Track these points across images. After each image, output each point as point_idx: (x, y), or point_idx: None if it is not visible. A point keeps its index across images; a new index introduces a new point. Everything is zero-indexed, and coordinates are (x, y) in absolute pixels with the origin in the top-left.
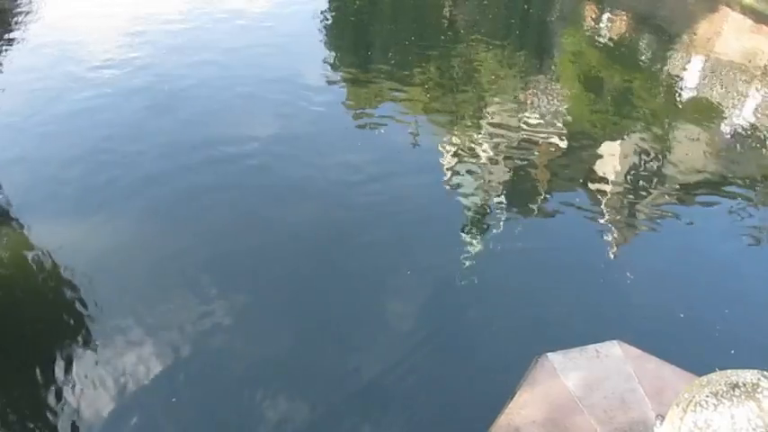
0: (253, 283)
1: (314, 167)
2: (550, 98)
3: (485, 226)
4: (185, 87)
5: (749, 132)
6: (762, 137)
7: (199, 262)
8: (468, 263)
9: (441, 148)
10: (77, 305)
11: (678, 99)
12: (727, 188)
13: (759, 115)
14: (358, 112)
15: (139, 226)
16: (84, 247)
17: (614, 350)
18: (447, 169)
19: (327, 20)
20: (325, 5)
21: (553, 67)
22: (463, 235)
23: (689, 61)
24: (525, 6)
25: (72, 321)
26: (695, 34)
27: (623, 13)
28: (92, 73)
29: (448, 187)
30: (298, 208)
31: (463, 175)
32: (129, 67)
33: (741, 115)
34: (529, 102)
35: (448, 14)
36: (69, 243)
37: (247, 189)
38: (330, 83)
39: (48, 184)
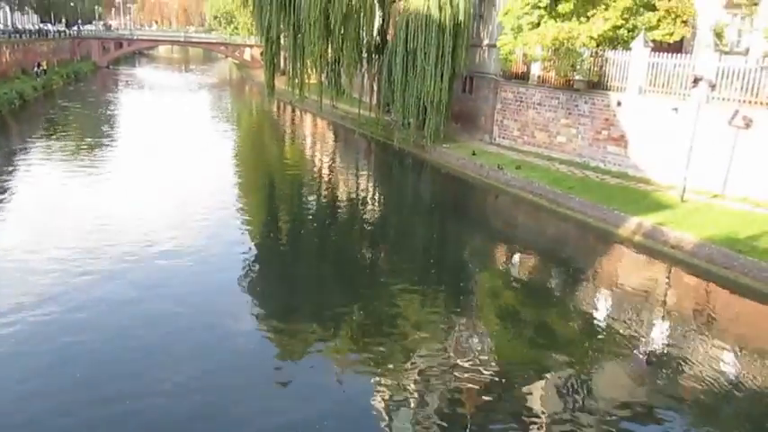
0: None
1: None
2: (472, 336)
3: None
4: (99, 340)
5: (662, 359)
6: (674, 364)
7: None
8: None
9: (368, 391)
10: None
11: (592, 331)
12: (652, 418)
13: (667, 342)
14: (283, 357)
15: None
16: None
17: None
18: (374, 411)
19: (251, 266)
20: (247, 252)
21: (472, 306)
22: None
23: (597, 295)
24: (441, 250)
25: None
26: (598, 270)
27: (532, 252)
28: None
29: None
30: None
31: (393, 413)
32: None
33: (652, 344)
34: (451, 341)
35: (369, 260)
36: None
37: None
38: (252, 330)
39: None
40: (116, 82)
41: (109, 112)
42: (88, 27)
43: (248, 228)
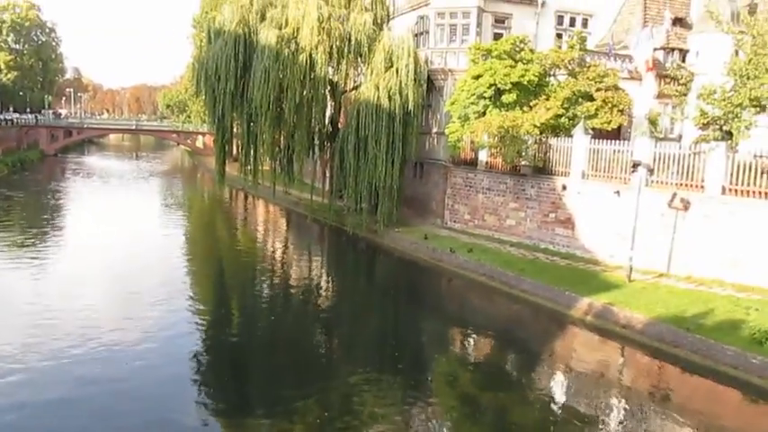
0: None
1: None
2: (430, 427)
3: None
4: None
5: None
6: None
7: None
8: None
9: None
10: None
11: (551, 415)
12: None
13: (625, 424)
14: None
15: None
16: None
17: None
18: None
19: (202, 358)
20: (198, 343)
21: (430, 394)
22: None
23: (553, 378)
24: (396, 336)
25: None
26: (553, 352)
27: (487, 335)
28: None
29: None
30: None
31: None
32: None
33: (610, 426)
34: (412, 427)
35: (323, 348)
36: None
37: None
38: (203, 426)
39: None
40: (63, 170)
41: (53, 202)
42: (36, 116)
43: (199, 318)
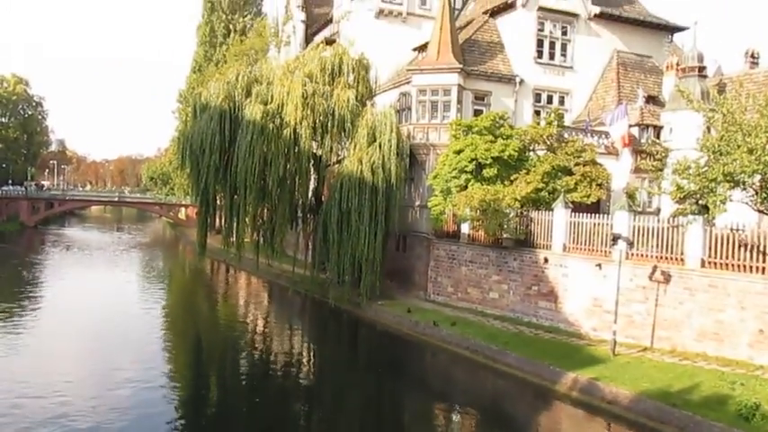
0: None
1: None
2: None
3: None
4: None
5: None
6: None
7: None
8: None
9: None
10: None
11: None
12: None
13: None
14: None
15: None
16: None
17: None
18: None
19: None
20: (175, 421)
21: None
22: None
23: None
24: (379, 412)
25: None
26: (539, 428)
27: (472, 411)
28: None
29: None
30: None
31: None
32: None
33: None
34: None
35: (305, 425)
36: None
37: None
38: None
39: None
40: (43, 242)
41: (29, 275)
42: (18, 187)
43: (176, 395)
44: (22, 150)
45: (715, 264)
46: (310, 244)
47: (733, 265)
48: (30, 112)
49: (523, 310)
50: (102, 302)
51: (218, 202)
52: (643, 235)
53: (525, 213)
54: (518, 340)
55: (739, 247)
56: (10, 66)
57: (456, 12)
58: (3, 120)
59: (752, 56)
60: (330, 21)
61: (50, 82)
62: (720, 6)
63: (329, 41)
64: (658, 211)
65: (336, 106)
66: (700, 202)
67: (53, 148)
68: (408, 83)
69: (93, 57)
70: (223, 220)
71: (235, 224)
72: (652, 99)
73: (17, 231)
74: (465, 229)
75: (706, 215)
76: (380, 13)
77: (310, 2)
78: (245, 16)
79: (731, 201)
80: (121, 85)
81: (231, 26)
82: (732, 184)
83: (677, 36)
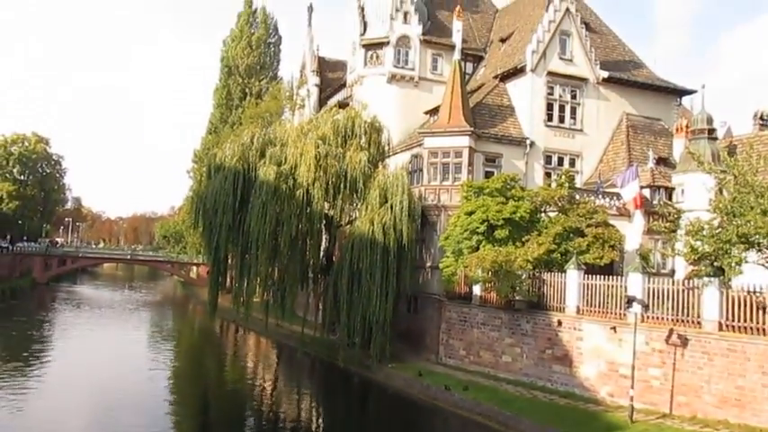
0: None
1: None
2: None
3: None
4: None
5: None
6: None
7: None
8: None
9: None
10: None
11: None
12: None
13: None
14: None
15: None
16: None
17: None
18: None
19: None
20: None
21: None
22: None
23: None
24: None
25: None
26: None
27: None
28: None
29: None
30: None
31: None
32: None
33: None
34: None
35: None
36: None
37: None
38: None
39: None
40: (54, 299)
41: (38, 333)
42: (33, 244)
43: None
44: (39, 207)
45: (733, 327)
46: (320, 305)
47: (752, 329)
48: (48, 171)
49: (537, 374)
50: (110, 362)
51: (229, 261)
52: (658, 297)
53: (537, 275)
54: (532, 406)
55: (757, 309)
56: (32, 123)
57: (467, 76)
58: (22, 177)
59: (761, 117)
60: (343, 85)
61: (69, 140)
62: (728, 70)
63: (342, 105)
64: (673, 272)
65: (349, 168)
66: (715, 263)
67: (69, 205)
68: (420, 145)
69: (112, 116)
70: (234, 280)
71: (245, 284)
72: (662, 161)
73: (29, 288)
74: (477, 290)
75: (721, 277)
76: (393, 77)
77: (324, 67)
78: (261, 80)
79: (746, 262)
80: (138, 145)
81: (247, 89)
82: (747, 246)
83: (686, 99)
